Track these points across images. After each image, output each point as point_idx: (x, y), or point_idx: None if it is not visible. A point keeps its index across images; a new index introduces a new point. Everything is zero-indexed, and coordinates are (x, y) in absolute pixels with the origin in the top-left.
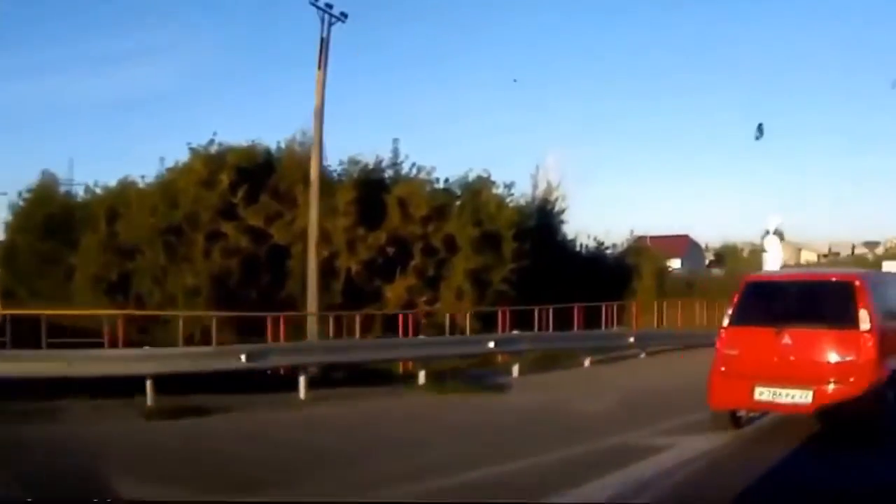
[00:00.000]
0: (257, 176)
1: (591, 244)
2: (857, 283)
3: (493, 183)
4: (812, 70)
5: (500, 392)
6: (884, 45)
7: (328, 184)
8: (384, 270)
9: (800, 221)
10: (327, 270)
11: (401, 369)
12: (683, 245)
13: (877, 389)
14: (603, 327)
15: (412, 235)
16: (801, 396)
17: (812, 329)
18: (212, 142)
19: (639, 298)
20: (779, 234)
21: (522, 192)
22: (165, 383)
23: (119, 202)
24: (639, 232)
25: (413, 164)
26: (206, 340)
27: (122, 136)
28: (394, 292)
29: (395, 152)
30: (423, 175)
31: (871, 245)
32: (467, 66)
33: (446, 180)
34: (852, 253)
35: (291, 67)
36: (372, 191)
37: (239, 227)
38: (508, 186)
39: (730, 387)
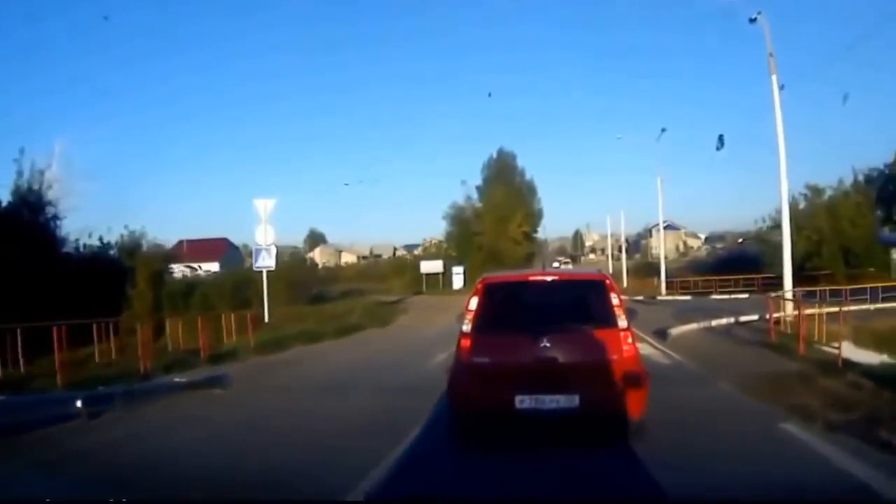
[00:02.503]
0: None
1: (95, 244)
2: (608, 281)
3: None
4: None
5: None
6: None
7: None
8: None
9: (344, 227)
10: None
11: None
12: (222, 248)
13: (641, 385)
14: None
15: None
16: (566, 401)
17: (571, 331)
18: None
19: (135, 311)
20: (269, 222)
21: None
22: None
23: None
24: (180, 236)
25: None
26: None
27: None
28: None
29: None
30: None
31: (410, 248)
32: None
33: None
34: (394, 254)
35: None
36: None
37: None
38: None
39: (482, 399)
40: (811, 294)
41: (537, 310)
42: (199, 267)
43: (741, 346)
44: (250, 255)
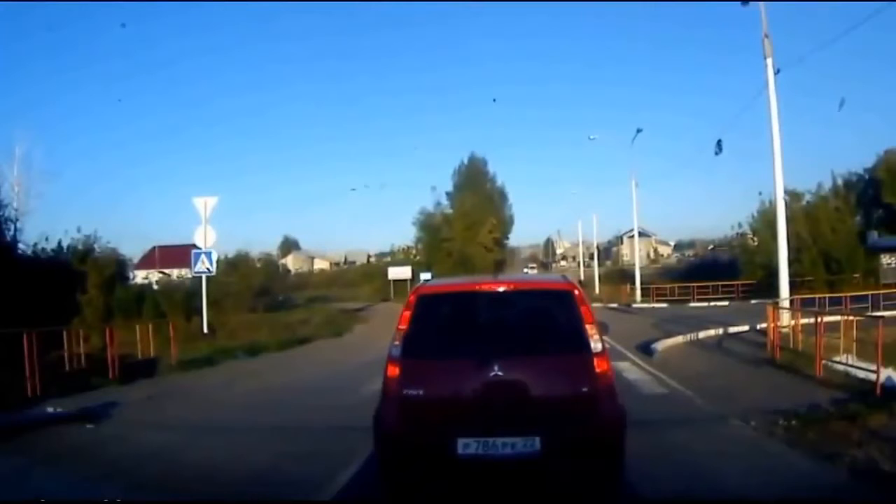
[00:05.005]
0: None
1: (52, 249)
2: (576, 291)
3: None
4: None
5: None
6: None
7: None
8: None
9: (316, 233)
10: None
11: None
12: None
13: (618, 424)
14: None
15: None
16: (525, 445)
17: (529, 356)
18: None
19: (85, 318)
20: (209, 221)
21: None
22: None
23: None
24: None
25: None
26: None
27: None
28: None
29: None
30: None
31: (384, 255)
32: None
33: None
34: (367, 261)
35: None
36: None
37: None
38: None
39: (415, 442)
40: (809, 302)
41: (487, 328)
42: (162, 272)
43: (743, 366)
44: (218, 260)
